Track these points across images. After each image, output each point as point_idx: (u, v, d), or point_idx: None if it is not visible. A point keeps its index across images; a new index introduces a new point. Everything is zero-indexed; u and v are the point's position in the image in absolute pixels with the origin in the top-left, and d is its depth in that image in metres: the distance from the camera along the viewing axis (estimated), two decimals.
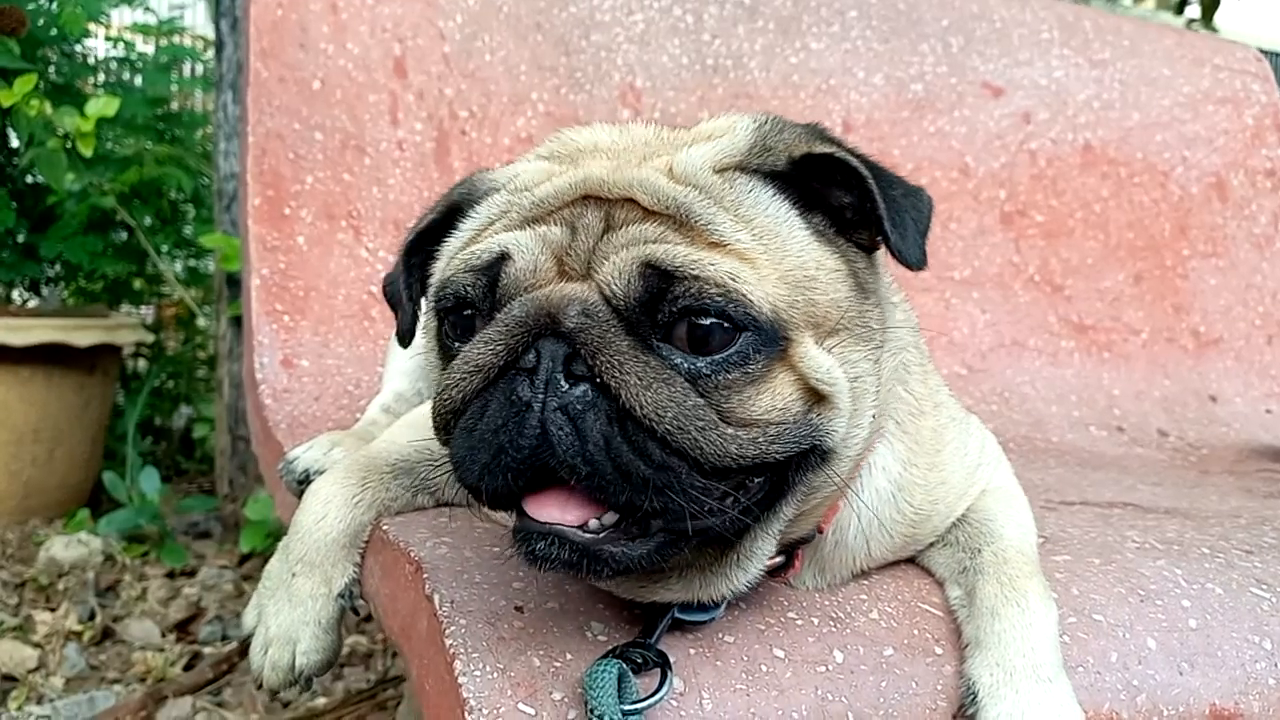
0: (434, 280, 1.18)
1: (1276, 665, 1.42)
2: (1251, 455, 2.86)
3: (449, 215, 1.20)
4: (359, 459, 1.46)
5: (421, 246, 1.23)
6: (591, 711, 1.01)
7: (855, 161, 1.10)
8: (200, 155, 4.62)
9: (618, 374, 0.98)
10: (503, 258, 1.05)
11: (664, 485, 0.97)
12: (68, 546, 3.54)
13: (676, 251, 1.01)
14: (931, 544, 1.41)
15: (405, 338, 1.25)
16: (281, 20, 2.27)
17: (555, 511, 0.99)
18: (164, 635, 3.22)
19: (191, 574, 3.66)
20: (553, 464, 0.97)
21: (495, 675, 1.05)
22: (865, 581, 1.35)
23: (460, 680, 1.04)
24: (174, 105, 5.21)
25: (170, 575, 3.64)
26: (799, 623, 1.23)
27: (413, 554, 1.24)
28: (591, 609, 1.17)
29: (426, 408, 1.58)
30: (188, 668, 3.02)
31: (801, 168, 1.11)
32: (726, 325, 1.00)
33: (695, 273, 1.00)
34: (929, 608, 1.32)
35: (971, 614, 1.25)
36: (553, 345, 0.99)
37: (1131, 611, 1.40)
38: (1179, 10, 7.73)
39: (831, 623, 1.25)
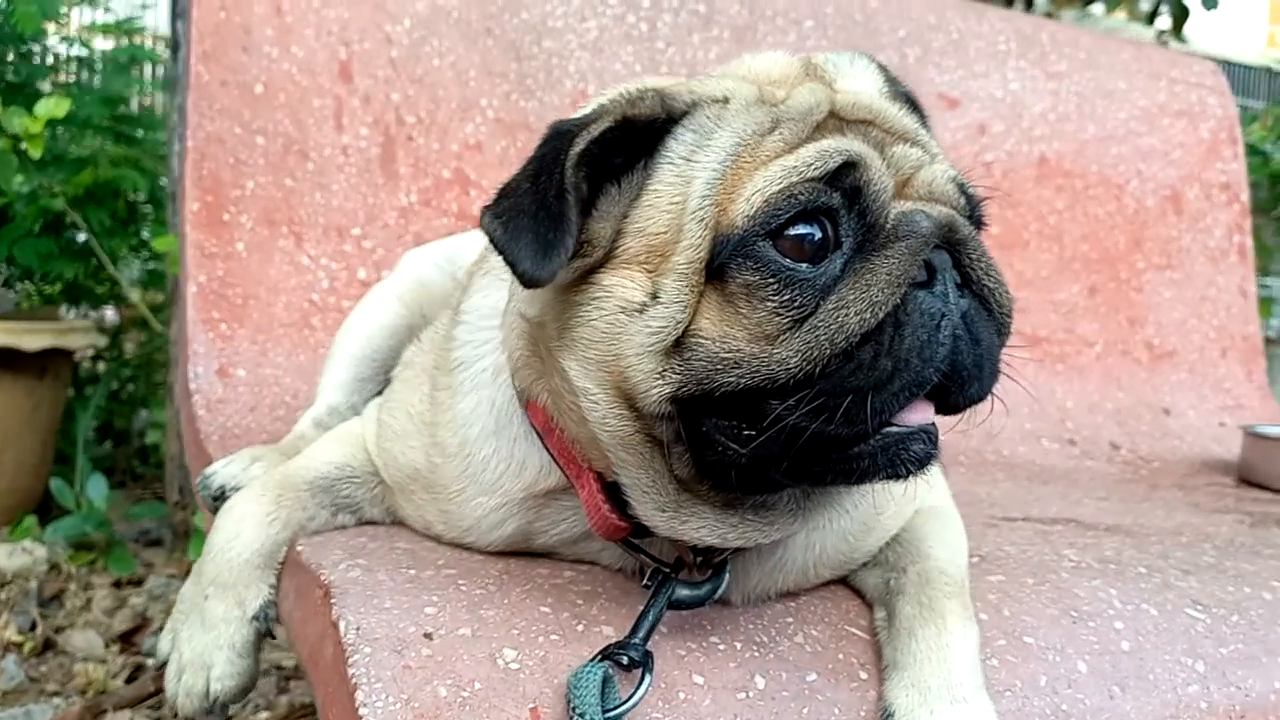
0: (703, 198, 1.03)
1: (1209, 688, 1.40)
2: (1203, 469, 2.87)
3: (622, 129, 1.06)
4: (276, 476, 1.42)
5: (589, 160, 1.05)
6: (574, 710, 1.02)
7: (916, 98, 1.28)
8: (158, 157, 4.55)
9: (992, 280, 1.06)
10: (849, 166, 1.03)
11: (998, 374, 1.09)
12: (11, 555, 3.47)
13: (957, 173, 1.12)
14: (864, 564, 1.39)
15: (553, 275, 1.03)
16: (224, 22, 2.23)
17: (921, 414, 1.02)
18: (108, 646, 3.16)
19: (139, 583, 3.60)
20: (954, 372, 1.02)
21: (398, 707, 1.02)
22: (793, 603, 1.33)
23: (361, 712, 1.01)
24: (134, 106, 5.13)
25: (117, 584, 3.57)
26: (721, 647, 1.21)
27: (323, 577, 1.20)
28: (505, 635, 1.14)
29: (353, 424, 1.56)
30: (130, 680, 2.97)
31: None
32: None
33: (979, 193, 1.13)
34: (856, 631, 1.30)
35: (891, 635, 1.23)
36: (939, 257, 1.03)
37: (1063, 633, 1.38)
38: (1150, 21, 7.79)
39: (755, 647, 1.22)
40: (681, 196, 1.05)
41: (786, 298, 1.00)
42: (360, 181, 2.31)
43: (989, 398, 1.11)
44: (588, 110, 1.12)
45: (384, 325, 1.86)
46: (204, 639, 1.33)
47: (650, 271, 1.05)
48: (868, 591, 1.36)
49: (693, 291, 1.02)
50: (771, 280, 1.00)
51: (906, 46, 3.04)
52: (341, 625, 1.10)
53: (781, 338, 0.99)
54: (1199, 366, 3.27)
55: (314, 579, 1.22)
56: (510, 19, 2.53)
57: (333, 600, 1.15)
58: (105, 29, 4.79)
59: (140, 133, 4.64)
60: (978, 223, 1.13)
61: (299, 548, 1.34)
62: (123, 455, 5.00)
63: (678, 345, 1.03)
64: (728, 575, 1.22)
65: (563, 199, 1.01)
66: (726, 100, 1.10)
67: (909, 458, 1.01)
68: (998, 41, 3.19)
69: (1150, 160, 3.36)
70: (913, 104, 1.28)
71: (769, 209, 1.00)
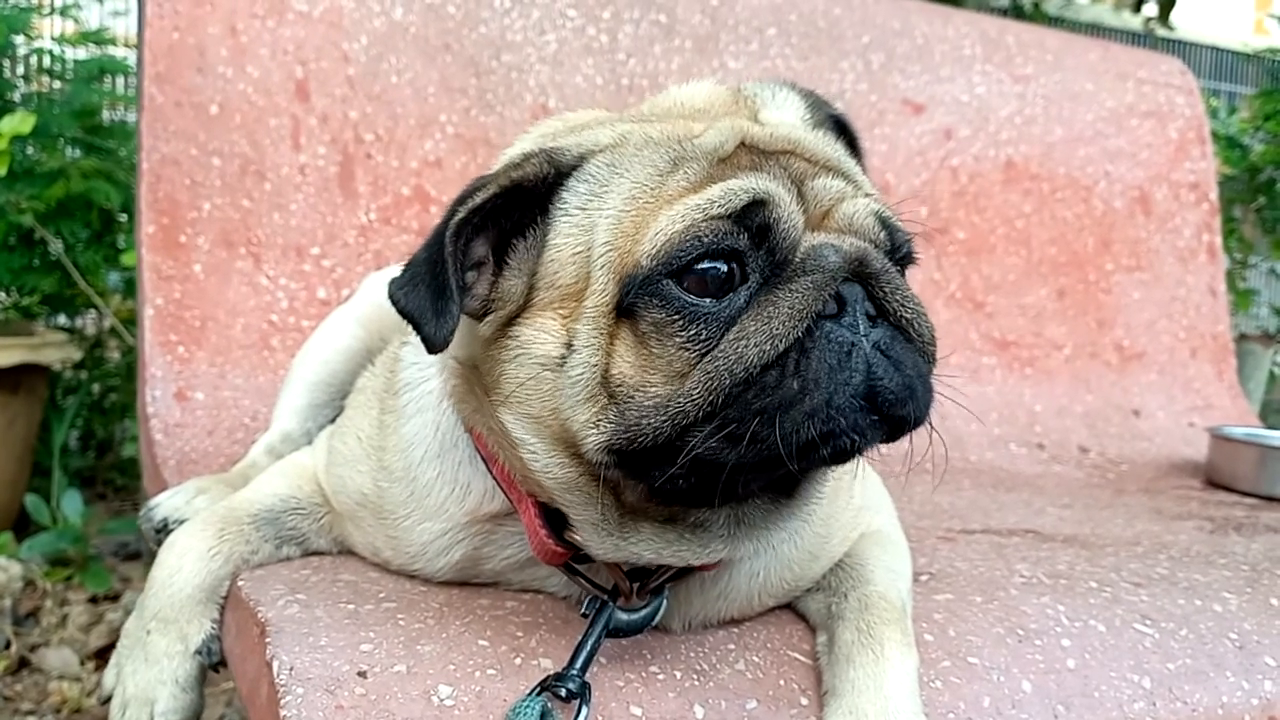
0: (605, 244, 1.05)
1: (1155, 704, 1.41)
2: (1171, 471, 2.88)
3: (509, 194, 1.09)
4: (219, 509, 1.42)
5: (473, 229, 1.09)
6: None
7: (848, 120, 1.32)
8: (131, 168, 4.53)
9: (909, 310, 1.07)
10: (757, 204, 1.04)
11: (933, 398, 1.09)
12: None
13: (882, 207, 1.12)
14: (808, 589, 1.40)
15: (446, 341, 1.06)
16: (178, 44, 2.22)
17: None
18: (83, 663, 3.16)
19: (116, 598, 3.59)
20: (878, 397, 1.02)
21: None
22: (736, 630, 1.33)
23: None
24: (108, 116, 5.10)
25: (93, 600, 3.56)
26: (660, 677, 1.21)
27: (260, 614, 1.20)
28: (441, 671, 1.14)
29: (300, 455, 1.55)
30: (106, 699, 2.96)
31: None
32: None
33: (906, 230, 1.13)
34: (798, 656, 1.30)
35: (831, 661, 1.24)
36: (850, 289, 1.04)
37: (1009, 653, 1.39)
38: (1136, 9, 7.81)
39: (695, 676, 1.22)
40: (584, 245, 1.07)
41: (692, 332, 1.01)
42: (319, 201, 2.30)
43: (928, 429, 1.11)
44: (495, 167, 1.14)
45: (341, 350, 1.85)
46: (147, 674, 1.33)
47: (565, 317, 1.07)
48: (811, 616, 1.37)
49: (603, 334, 1.04)
50: (677, 316, 1.02)
51: (871, 53, 3.04)
52: (275, 665, 1.10)
53: (689, 374, 1.01)
54: (1169, 367, 3.28)
55: (252, 615, 1.22)
56: (469, 34, 2.52)
57: (267, 639, 1.15)
58: (74, 41, 4.76)
59: (112, 144, 4.62)
60: (905, 256, 1.13)
61: (240, 582, 1.33)
62: (104, 466, 4.99)
63: (608, 392, 1.04)
64: (665, 600, 1.22)
65: (444, 268, 1.04)
66: (620, 145, 1.11)
67: (843, 450, 1.02)
68: (963, 45, 3.19)
69: (1118, 161, 3.36)
70: (843, 128, 1.28)
71: (671, 249, 1.01)
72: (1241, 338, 4.62)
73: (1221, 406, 3.29)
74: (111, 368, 5.07)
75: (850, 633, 1.24)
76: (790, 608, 1.41)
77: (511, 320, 1.10)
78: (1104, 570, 1.72)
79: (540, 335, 1.08)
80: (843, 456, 1.04)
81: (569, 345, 1.06)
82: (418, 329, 1.06)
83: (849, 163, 1.17)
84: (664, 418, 1.01)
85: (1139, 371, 3.23)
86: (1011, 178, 3.16)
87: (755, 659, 1.28)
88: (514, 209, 1.09)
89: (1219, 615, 1.59)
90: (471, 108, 2.49)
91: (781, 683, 1.25)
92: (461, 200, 1.07)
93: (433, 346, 1.06)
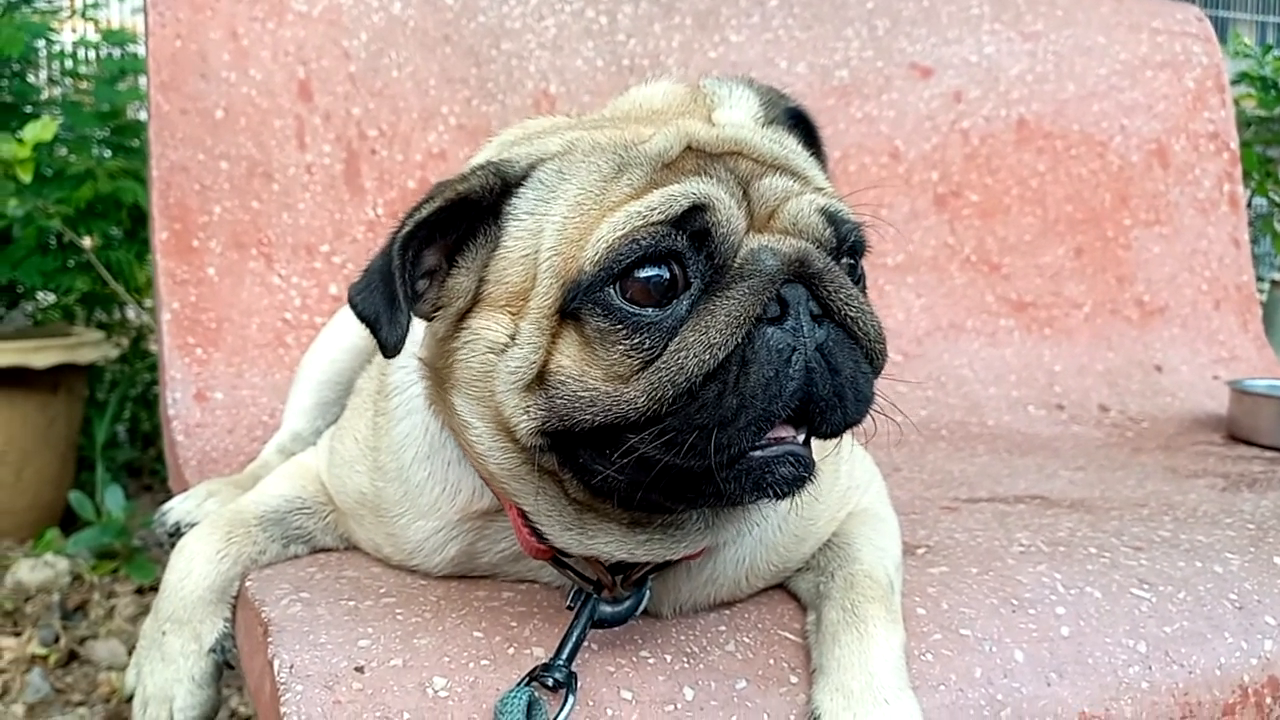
0: (550, 250, 1.08)
1: (1150, 668, 1.42)
2: (1193, 426, 2.86)
3: (456, 207, 1.12)
4: (226, 512, 1.47)
5: (420, 241, 1.12)
6: None
7: (807, 112, 1.33)
8: None
9: (854, 309, 1.08)
10: (697, 209, 1.06)
11: (870, 400, 1.10)
12: (34, 569, 3.57)
13: (829, 201, 1.12)
14: (798, 569, 1.42)
15: (398, 346, 1.12)
16: (181, 51, 2.26)
17: (787, 436, 1.06)
18: (130, 654, 3.26)
19: None
20: (810, 404, 1.04)
21: None
22: (727, 611, 1.36)
23: None
24: (136, 115, 5.19)
25: (139, 591, 3.67)
26: (650, 661, 1.25)
27: (263, 614, 1.25)
28: (437, 663, 1.18)
29: (304, 456, 1.60)
30: None
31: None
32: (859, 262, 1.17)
33: (854, 220, 1.13)
34: (789, 635, 1.33)
35: (818, 639, 1.27)
36: (792, 290, 1.05)
37: (1001, 623, 1.41)
38: None
39: (685, 658, 1.26)
40: (532, 248, 1.10)
41: (635, 341, 1.04)
42: (326, 198, 2.35)
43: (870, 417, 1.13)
44: (465, 170, 1.18)
45: (347, 348, 1.89)
46: (165, 673, 1.40)
47: (513, 314, 1.10)
48: (802, 595, 1.40)
49: (544, 335, 1.08)
50: (620, 325, 1.04)
51: (875, 18, 3.02)
52: (276, 663, 1.15)
53: (633, 378, 1.04)
54: (1191, 321, 3.25)
55: (256, 615, 1.27)
56: (467, 24, 2.54)
57: (269, 638, 1.20)
58: (92, 45, 4.84)
59: (138, 143, 4.70)
60: (853, 250, 1.14)
61: (249, 582, 1.39)
62: (149, 459, 5.11)
63: (543, 383, 1.08)
64: (649, 591, 1.25)
65: (391, 278, 1.08)
66: (569, 152, 1.13)
67: (775, 480, 1.04)
68: (970, 5, 3.16)
69: (1134, 115, 3.32)
70: (799, 120, 1.29)
71: (611, 255, 1.03)
72: (1274, 284, 4.54)
73: (1247, 358, 3.25)
74: (155, 360, 5.17)
75: (836, 611, 1.26)
76: (782, 587, 1.44)
77: (464, 315, 1.14)
78: (1105, 535, 1.73)
79: (491, 325, 1.12)
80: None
81: (513, 337, 1.10)
82: (374, 333, 1.11)
83: (799, 159, 1.18)
84: (597, 412, 1.05)
85: (1161, 326, 3.20)
86: (1024, 137, 3.14)
87: (746, 640, 1.31)
88: (463, 219, 1.13)
89: (1219, 576, 1.59)
90: (473, 98, 2.52)
91: (771, 662, 1.28)
92: (410, 214, 1.11)
93: (387, 350, 1.11)
